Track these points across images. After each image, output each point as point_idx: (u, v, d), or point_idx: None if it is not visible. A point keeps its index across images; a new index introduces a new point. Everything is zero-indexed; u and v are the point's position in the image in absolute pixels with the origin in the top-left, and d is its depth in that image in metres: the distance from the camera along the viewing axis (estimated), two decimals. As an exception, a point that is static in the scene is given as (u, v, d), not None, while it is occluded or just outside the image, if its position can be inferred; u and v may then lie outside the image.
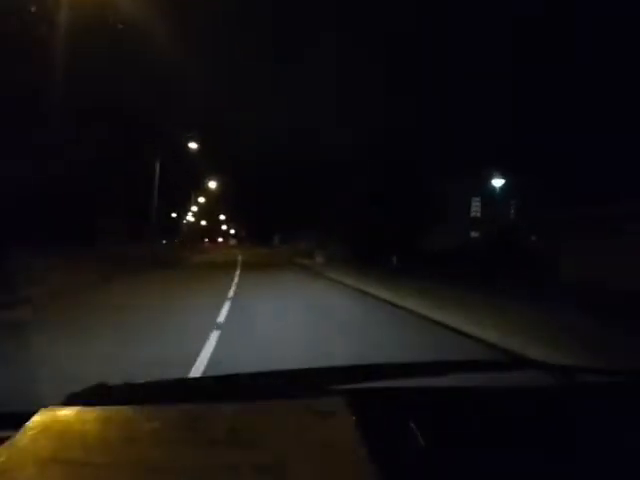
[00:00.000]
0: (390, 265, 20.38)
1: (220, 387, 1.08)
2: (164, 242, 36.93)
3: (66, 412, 0.86)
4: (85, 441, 0.77)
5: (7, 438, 0.75)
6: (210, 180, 40.09)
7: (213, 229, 77.68)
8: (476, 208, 33.67)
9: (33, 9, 10.58)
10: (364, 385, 1.06)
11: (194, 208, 49.97)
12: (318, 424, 0.84)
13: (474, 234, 30.97)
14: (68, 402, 0.90)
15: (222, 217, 76.00)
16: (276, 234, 63.42)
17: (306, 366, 1.22)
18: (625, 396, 1.07)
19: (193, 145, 25.32)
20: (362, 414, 0.84)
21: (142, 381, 1.03)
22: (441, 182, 26.14)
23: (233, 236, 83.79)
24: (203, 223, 68.88)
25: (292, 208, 39.09)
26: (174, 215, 43.03)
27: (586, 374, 1.29)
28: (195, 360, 4.24)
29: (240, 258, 27.30)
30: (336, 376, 1.17)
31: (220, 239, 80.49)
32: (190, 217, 55.13)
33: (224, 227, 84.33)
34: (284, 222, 48.75)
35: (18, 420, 0.81)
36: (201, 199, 47.88)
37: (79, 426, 0.83)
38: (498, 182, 23.07)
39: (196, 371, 3.93)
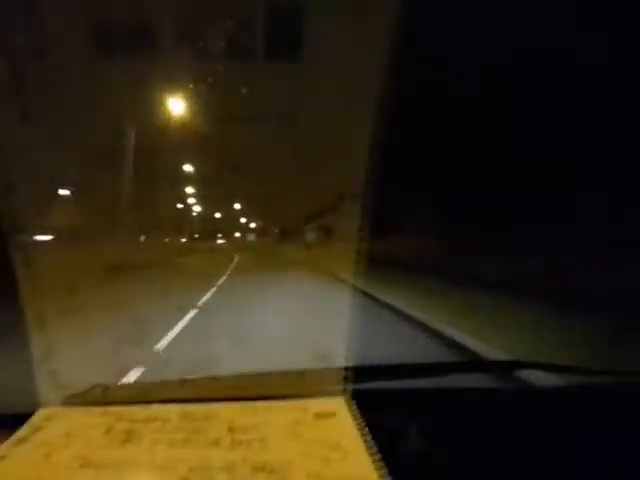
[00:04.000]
0: None
1: (220, 387, 1.09)
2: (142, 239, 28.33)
3: (66, 412, 0.87)
4: (85, 441, 0.77)
5: (7, 438, 0.75)
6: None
7: (228, 221, 65.38)
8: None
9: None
10: (364, 385, 1.03)
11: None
12: (318, 424, 0.84)
13: None
14: (68, 402, 0.91)
15: (237, 206, 63.55)
16: (309, 225, 30.97)
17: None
18: (625, 397, 1.05)
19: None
20: (362, 414, 0.84)
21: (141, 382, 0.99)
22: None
23: (252, 230, 70.61)
24: (218, 216, 57.80)
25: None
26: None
27: (586, 374, 1.27)
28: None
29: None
30: (336, 376, 1.12)
31: (237, 234, 67.89)
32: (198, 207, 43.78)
33: (243, 220, 71.87)
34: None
35: (18, 420, 0.81)
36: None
37: (78, 426, 0.84)
38: None
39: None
